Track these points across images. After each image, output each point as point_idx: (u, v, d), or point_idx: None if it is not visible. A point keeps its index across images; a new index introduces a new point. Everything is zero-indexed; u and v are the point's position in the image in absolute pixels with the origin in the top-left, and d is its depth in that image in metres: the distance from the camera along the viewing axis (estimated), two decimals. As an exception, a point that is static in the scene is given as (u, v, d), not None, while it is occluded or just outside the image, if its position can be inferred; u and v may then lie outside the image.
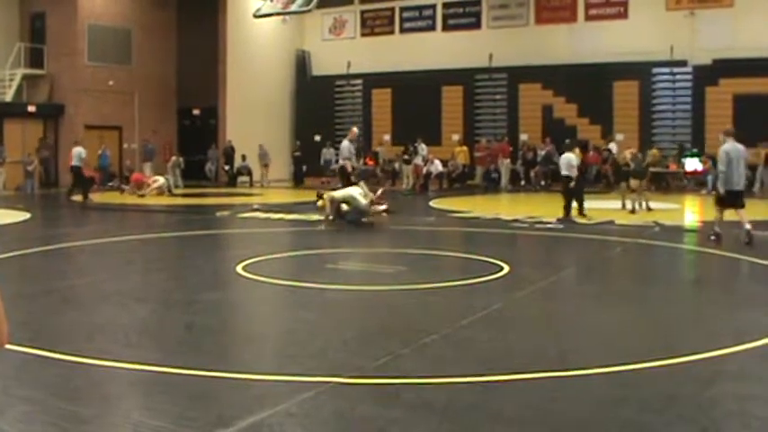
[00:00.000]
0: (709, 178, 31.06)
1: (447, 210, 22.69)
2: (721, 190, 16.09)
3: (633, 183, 22.25)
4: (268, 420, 5.65)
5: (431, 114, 37.56)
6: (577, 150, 22.22)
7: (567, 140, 23.75)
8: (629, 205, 22.16)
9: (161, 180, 31.24)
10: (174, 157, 35.19)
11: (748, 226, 15.69)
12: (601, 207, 22.38)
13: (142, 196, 29.88)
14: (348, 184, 21.24)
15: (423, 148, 35.11)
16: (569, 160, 21.11)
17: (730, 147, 16.26)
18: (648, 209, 21.79)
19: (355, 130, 24.02)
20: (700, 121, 33.15)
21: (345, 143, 22.85)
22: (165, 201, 28.54)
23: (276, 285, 11.58)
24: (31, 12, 36.50)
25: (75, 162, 28.15)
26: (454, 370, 6.85)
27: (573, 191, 21.03)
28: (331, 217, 19.59)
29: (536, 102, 36.38)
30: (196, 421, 5.70)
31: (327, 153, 38.58)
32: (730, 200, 16.18)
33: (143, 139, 36.79)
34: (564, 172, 21.06)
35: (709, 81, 32.91)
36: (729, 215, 16.21)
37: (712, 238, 16.33)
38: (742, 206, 16.15)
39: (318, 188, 24.72)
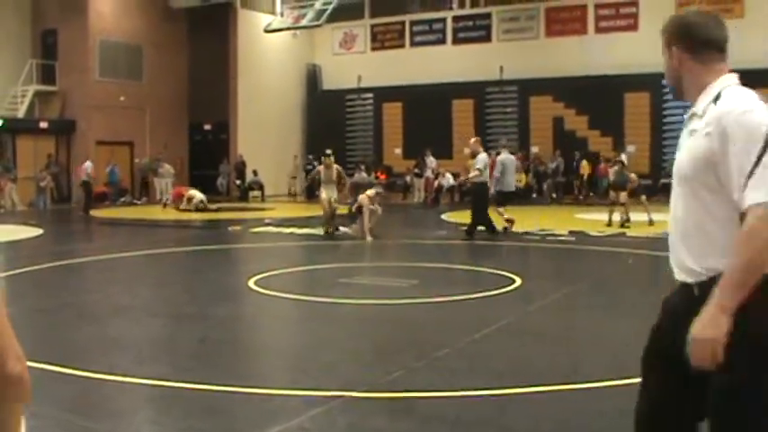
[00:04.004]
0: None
1: (459, 223, 22.64)
2: (492, 190, 19.99)
3: (622, 195, 21.96)
4: (281, 435, 5.66)
5: (442, 127, 37.59)
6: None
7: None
8: (615, 217, 21.81)
9: (198, 195, 31.06)
10: (166, 165, 35.24)
11: (509, 225, 19.74)
12: (614, 220, 22.31)
13: (177, 209, 30.11)
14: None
15: (431, 160, 35.15)
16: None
17: (505, 157, 19.98)
18: (650, 222, 21.38)
19: (473, 140, 21.04)
20: (711, 132, 33.05)
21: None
22: (175, 216, 28.60)
23: (288, 300, 11.58)
24: (42, 28, 36.68)
25: (84, 178, 28.40)
26: (467, 383, 6.84)
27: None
28: (331, 230, 20.06)
29: (547, 114, 36.41)
30: (209, 436, 5.71)
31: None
32: (505, 199, 19.95)
33: (156, 157, 36.69)
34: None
35: (720, 92, 32.81)
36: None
37: (507, 229, 19.64)
38: (509, 204, 20.05)
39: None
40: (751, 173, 2.86)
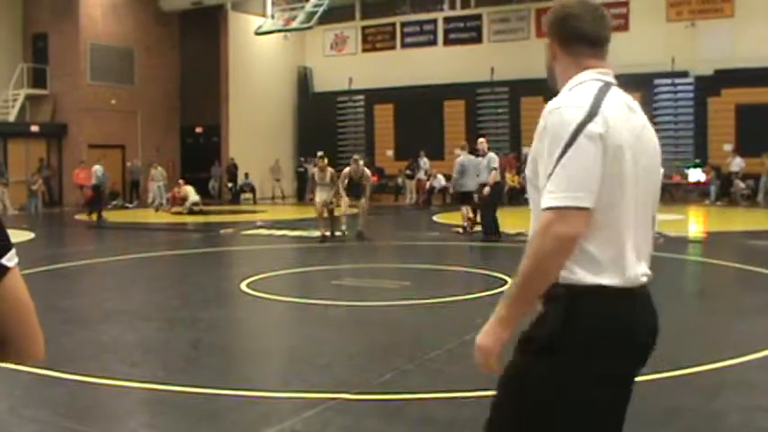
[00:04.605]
0: (712, 188, 31.13)
1: (450, 224, 22.66)
2: (451, 189, 20.13)
3: None
4: (274, 437, 5.66)
5: (433, 129, 37.58)
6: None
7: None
8: None
9: (193, 196, 31.06)
10: (159, 167, 35.28)
11: (467, 223, 19.75)
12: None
13: (169, 212, 30.20)
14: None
15: (425, 162, 35.22)
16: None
17: (465, 158, 19.61)
18: None
19: (482, 140, 20.31)
20: (702, 131, 33.17)
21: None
22: (166, 219, 28.57)
23: (281, 302, 11.59)
24: (33, 32, 36.63)
25: (93, 181, 28.51)
26: (459, 385, 6.85)
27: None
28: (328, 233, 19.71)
29: (538, 115, 35.44)
30: (202, 439, 5.71)
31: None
32: (465, 199, 19.73)
33: (150, 161, 36.61)
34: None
35: (712, 91, 32.93)
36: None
37: (460, 231, 19.88)
38: (470, 204, 19.81)
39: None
40: (551, 174, 2.66)
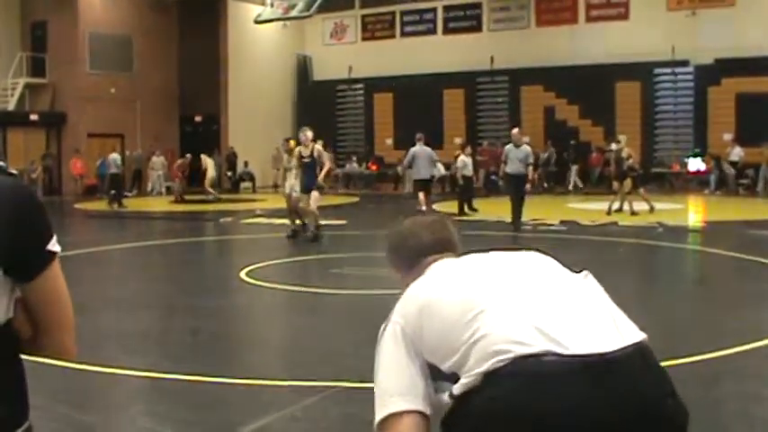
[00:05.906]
0: (712, 178, 31.11)
1: (450, 213, 22.64)
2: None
3: (615, 185, 22.42)
4: (273, 425, 5.67)
5: (433, 118, 37.47)
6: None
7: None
8: (615, 206, 22.05)
9: (213, 170, 31.30)
10: (155, 157, 35.42)
11: (424, 207, 19.44)
12: (603, 209, 22.28)
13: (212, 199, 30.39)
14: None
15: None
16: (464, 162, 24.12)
17: (418, 149, 20.67)
18: (632, 212, 21.46)
19: (516, 130, 19.99)
20: (702, 121, 33.12)
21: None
22: (166, 207, 28.56)
23: (280, 290, 11.59)
24: (32, 21, 36.54)
25: (113, 170, 28.71)
26: (459, 373, 6.84)
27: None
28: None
29: (538, 104, 36.36)
30: (201, 427, 5.72)
31: None
32: (420, 186, 20.60)
33: (151, 150, 36.66)
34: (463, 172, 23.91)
35: (712, 81, 32.88)
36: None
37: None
38: (429, 192, 20.94)
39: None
40: None
